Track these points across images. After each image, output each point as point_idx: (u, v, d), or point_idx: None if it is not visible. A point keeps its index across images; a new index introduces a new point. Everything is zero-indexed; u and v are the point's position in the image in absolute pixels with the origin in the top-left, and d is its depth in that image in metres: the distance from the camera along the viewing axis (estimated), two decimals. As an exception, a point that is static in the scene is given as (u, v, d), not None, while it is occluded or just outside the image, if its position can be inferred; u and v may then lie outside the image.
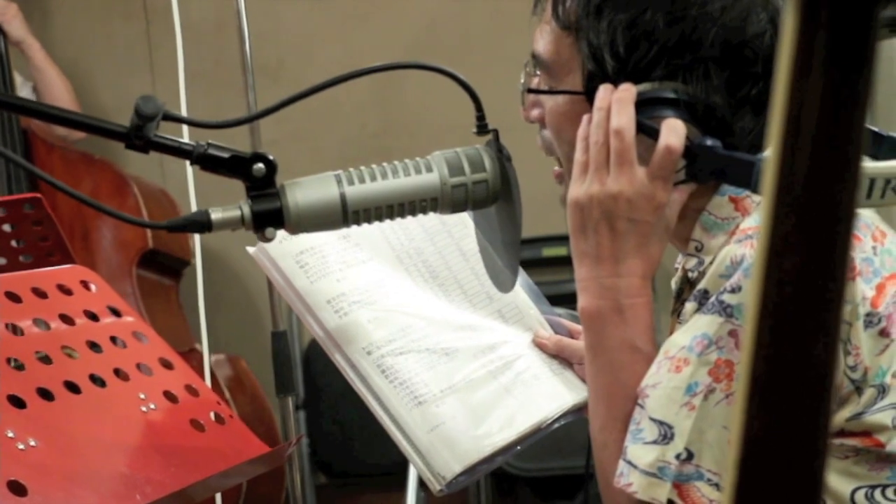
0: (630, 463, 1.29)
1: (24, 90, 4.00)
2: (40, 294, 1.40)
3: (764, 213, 0.47)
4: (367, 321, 1.52)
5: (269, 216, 1.23)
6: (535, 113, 1.44)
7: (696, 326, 1.28)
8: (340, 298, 1.53)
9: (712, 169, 1.29)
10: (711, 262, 1.33)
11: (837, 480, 1.29)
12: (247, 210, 1.22)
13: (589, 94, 1.36)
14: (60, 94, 3.96)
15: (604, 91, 1.33)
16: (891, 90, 3.64)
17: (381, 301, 1.55)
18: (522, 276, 1.67)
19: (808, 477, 0.49)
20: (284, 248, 1.54)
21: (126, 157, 4.01)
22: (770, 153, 0.48)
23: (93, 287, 1.46)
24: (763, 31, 1.33)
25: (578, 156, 1.34)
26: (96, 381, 1.34)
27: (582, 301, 1.37)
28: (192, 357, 3.17)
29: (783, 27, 0.46)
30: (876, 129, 1.34)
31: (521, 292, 1.66)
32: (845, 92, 0.45)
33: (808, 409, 0.49)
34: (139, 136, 1.19)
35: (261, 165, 1.22)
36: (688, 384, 1.27)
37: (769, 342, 0.48)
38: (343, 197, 1.24)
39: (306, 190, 1.24)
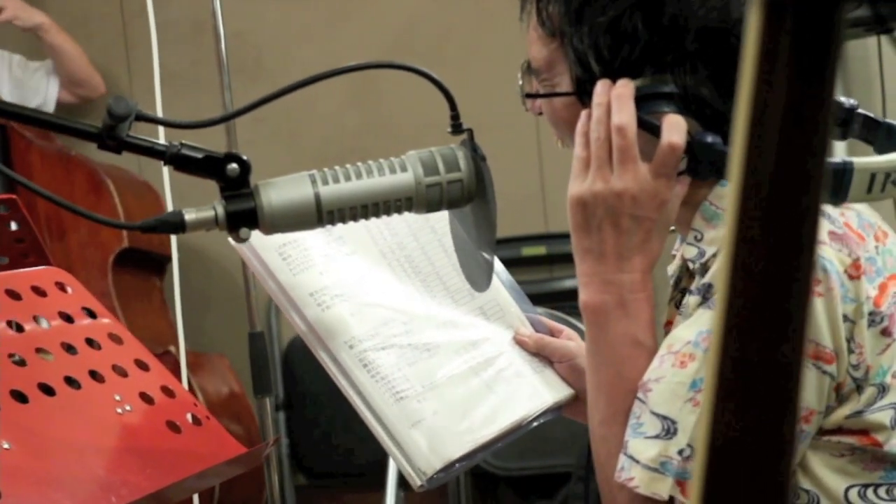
0: (631, 457, 1.29)
1: (40, 73, 3.98)
2: (14, 296, 1.39)
3: (730, 212, 0.47)
4: (349, 314, 1.52)
5: (243, 216, 1.22)
6: (538, 104, 1.45)
7: (701, 322, 1.29)
8: (323, 291, 1.53)
9: (713, 165, 1.30)
10: (715, 255, 1.33)
11: (832, 478, 1.30)
12: (220, 210, 1.22)
13: (581, 97, 1.36)
14: (77, 62, 3.96)
15: (602, 86, 1.33)
16: (868, 89, 3.65)
17: (363, 295, 1.55)
18: (504, 274, 1.67)
19: (776, 476, 0.49)
20: (267, 240, 1.53)
21: (107, 153, 4.00)
22: (735, 152, 0.48)
23: (68, 289, 1.46)
24: (745, 16, 1.33)
25: (578, 151, 1.34)
26: (71, 382, 1.34)
27: (584, 295, 1.37)
28: (171, 357, 3.16)
29: (747, 26, 0.46)
30: (871, 114, 1.35)
31: (503, 290, 1.66)
32: (810, 91, 0.45)
33: (774, 409, 0.49)
34: (111, 137, 1.18)
35: (234, 165, 1.21)
36: (692, 380, 1.27)
37: (736, 342, 0.48)
38: (317, 197, 1.24)
39: (280, 190, 1.23)
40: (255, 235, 1.52)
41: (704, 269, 1.35)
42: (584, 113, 1.34)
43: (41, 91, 4.00)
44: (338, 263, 1.56)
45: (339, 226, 1.59)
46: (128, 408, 1.36)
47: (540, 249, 3.99)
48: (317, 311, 1.51)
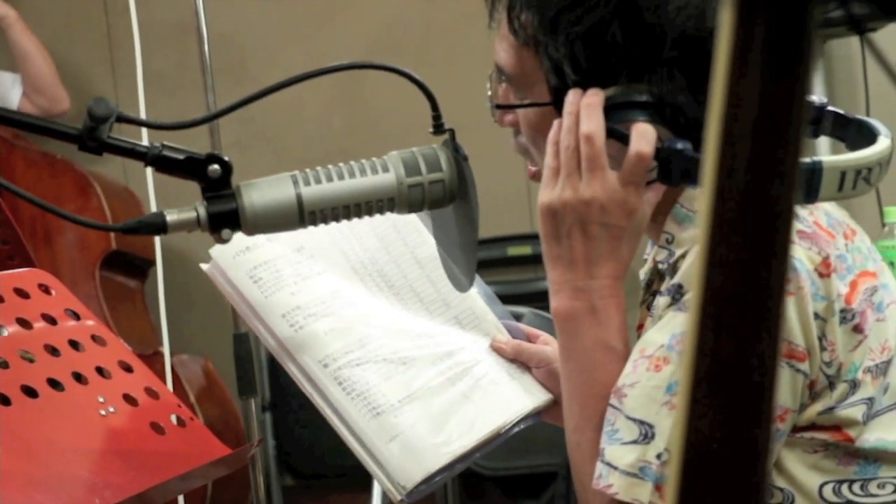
0: (609, 464, 1.29)
1: (14, 87, 3.95)
2: (-4, 298, 1.39)
3: (703, 210, 0.47)
4: (323, 333, 1.52)
5: (225, 217, 1.22)
6: (508, 118, 1.44)
7: (674, 324, 1.29)
8: (296, 312, 1.52)
9: (683, 171, 1.30)
10: (683, 256, 1.33)
11: (806, 474, 1.30)
12: (202, 211, 1.21)
13: (557, 105, 1.36)
14: (41, 67, 3.90)
15: (573, 96, 1.33)
16: (852, 88, 3.66)
17: (336, 312, 1.55)
18: (478, 282, 1.66)
19: (752, 475, 0.49)
20: (238, 263, 1.53)
21: (92, 156, 3.99)
22: (708, 151, 0.48)
23: (51, 291, 1.45)
24: None
25: (549, 160, 1.34)
26: (54, 384, 1.33)
27: (555, 303, 1.37)
28: (157, 359, 3.16)
29: (720, 25, 0.46)
30: (841, 111, 1.35)
31: (478, 298, 1.65)
32: (783, 89, 0.45)
33: (750, 408, 0.49)
34: (92, 138, 1.18)
35: (216, 167, 1.21)
36: (668, 383, 1.27)
37: (710, 341, 0.48)
38: (299, 197, 1.23)
39: (262, 191, 1.23)
40: (226, 258, 1.52)
41: (673, 269, 1.35)
42: (555, 122, 1.34)
43: (2, 95, 3.97)
44: (310, 282, 1.56)
45: (311, 244, 1.59)
46: (111, 409, 1.36)
47: (525, 249, 3.98)
48: (289, 331, 1.51)
